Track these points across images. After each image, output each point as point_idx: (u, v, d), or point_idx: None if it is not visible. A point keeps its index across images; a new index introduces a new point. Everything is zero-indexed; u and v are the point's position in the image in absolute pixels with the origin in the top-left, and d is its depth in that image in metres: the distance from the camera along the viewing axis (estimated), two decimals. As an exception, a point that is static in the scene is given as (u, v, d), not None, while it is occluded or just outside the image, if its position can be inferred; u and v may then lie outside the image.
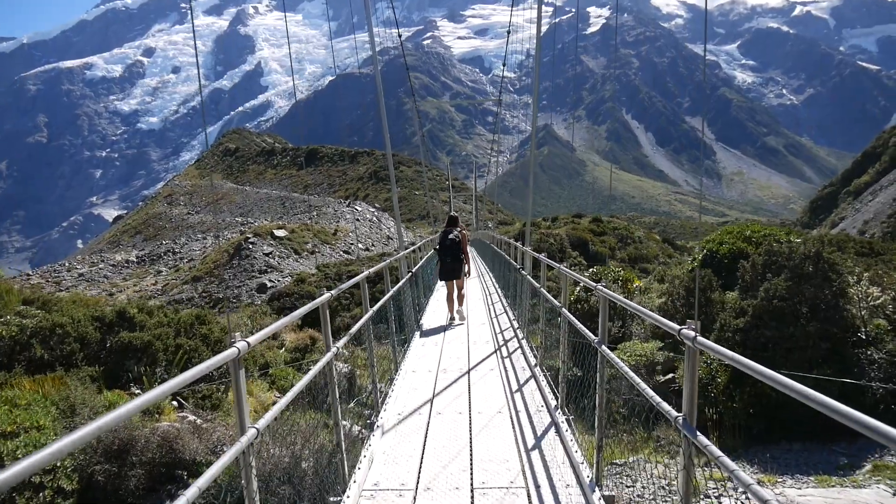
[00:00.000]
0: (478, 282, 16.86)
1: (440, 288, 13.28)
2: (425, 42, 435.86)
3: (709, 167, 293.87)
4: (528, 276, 7.64)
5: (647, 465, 5.62)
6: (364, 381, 7.56)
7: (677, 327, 2.24)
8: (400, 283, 7.76)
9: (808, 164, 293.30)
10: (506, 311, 10.73)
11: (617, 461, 5.49)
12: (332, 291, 3.94)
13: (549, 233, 29.13)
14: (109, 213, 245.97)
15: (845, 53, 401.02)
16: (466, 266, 9.93)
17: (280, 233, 33.26)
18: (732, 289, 9.89)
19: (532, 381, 6.07)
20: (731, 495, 4.96)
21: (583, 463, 3.80)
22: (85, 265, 37.71)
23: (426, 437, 4.64)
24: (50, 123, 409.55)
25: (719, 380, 7.27)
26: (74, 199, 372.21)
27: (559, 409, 4.73)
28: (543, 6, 10.79)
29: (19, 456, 4.57)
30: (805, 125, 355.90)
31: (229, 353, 2.11)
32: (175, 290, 28.63)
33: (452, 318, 9.78)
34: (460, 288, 9.91)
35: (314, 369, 3.26)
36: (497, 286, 14.68)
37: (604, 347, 3.39)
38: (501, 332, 8.97)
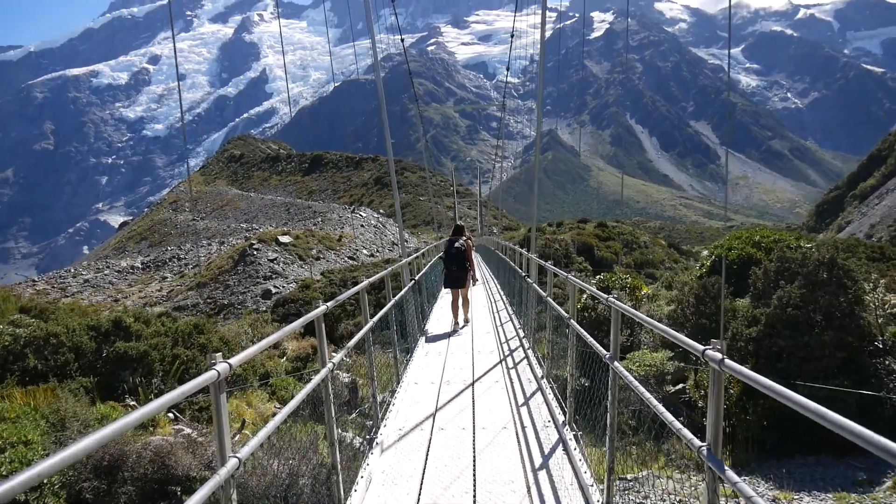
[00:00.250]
0: (483, 288, 16.66)
1: (445, 295, 13.13)
2: (429, 48, 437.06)
3: (713, 171, 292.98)
4: (534, 284, 7.45)
5: (657, 480, 5.40)
6: (366, 391, 7.37)
7: (701, 348, 1.99)
8: (402, 292, 7.58)
9: (814, 168, 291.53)
10: (511, 319, 10.53)
11: (626, 476, 5.28)
12: (329, 304, 3.77)
13: (554, 238, 28.91)
14: (115, 220, 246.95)
15: (849, 56, 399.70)
16: (472, 274, 10.10)
17: (285, 239, 33.14)
18: (742, 296, 9.65)
19: (539, 394, 5.87)
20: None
21: (592, 485, 3.60)
22: (90, 271, 37.67)
23: (427, 454, 4.45)
24: (56, 131, 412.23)
25: (731, 391, 7.03)
26: (80, 206, 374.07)
27: (567, 426, 4.53)
28: (547, 11, 10.66)
29: (4, 473, 4.40)
30: (810, 128, 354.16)
31: (209, 376, 1.93)
32: (180, 297, 28.52)
33: (457, 325, 9.84)
34: (465, 296, 10.12)
35: (308, 387, 3.09)
36: (502, 293, 14.48)
37: (616, 364, 3.18)
38: (507, 340, 8.76)
